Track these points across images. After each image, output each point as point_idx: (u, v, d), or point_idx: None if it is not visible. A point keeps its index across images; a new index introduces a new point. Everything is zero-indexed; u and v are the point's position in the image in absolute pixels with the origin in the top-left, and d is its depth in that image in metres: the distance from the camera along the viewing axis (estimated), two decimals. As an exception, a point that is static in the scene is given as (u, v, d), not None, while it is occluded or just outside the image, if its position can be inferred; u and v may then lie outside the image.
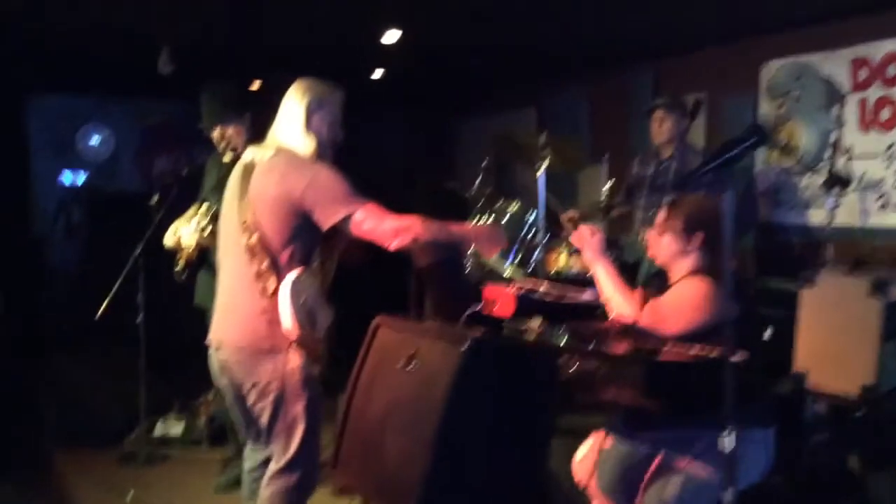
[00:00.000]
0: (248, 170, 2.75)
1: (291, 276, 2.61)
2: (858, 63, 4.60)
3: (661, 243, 2.78)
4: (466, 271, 3.14)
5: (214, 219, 3.62)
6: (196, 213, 3.77)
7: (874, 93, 4.52)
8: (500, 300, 2.19)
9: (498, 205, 3.75)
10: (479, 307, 2.20)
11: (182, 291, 3.94)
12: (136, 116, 7.09)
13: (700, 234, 2.69)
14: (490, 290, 2.25)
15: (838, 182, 4.29)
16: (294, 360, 2.65)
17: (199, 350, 2.96)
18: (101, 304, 3.96)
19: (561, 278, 3.68)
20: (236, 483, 3.56)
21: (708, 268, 2.68)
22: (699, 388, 2.10)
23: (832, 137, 4.68)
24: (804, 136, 4.92)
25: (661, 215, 2.81)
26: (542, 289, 2.55)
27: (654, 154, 4.64)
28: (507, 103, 7.22)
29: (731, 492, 1.71)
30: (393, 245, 2.61)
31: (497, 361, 1.87)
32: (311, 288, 2.66)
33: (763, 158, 5.15)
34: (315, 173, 2.67)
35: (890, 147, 4.46)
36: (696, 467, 2.51)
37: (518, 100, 7.09)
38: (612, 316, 2.67)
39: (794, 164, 4.97)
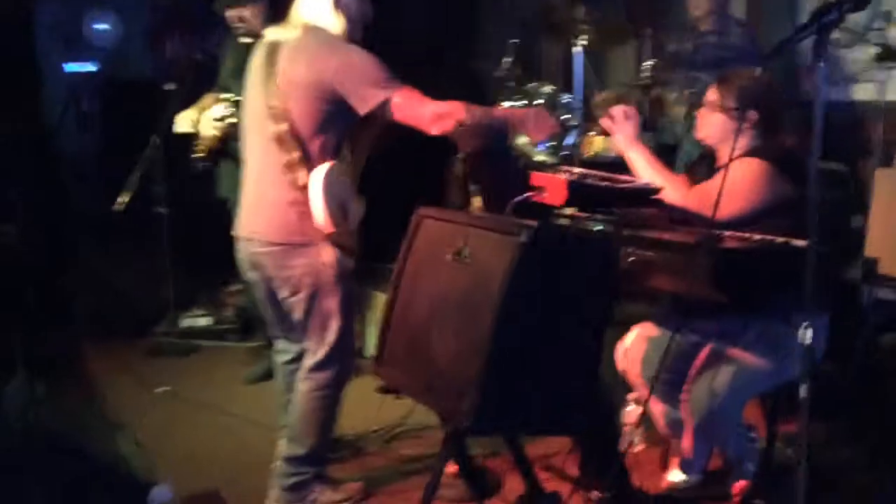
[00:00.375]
0: (273, 51, 2.56)
1: (322, 168, 2.47)
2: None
3: (711, 122, 2.62)
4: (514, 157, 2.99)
5: (236, 106, 3.46)
6: (214, 102, 3.61)
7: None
8: (550, 187, 2.04)
9: (530, 86, 3.56)
10: (528, 195, 2.06)
11: (205, 182, 3.82)
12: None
13: (754, 112, 2.53)
14: (538, 177, 2.11)
15: (891, 55, 4.03)
16: (327, 254, 2.55)
17: (224, 241, 2.86)
18: (121, 197, 3.87)
19: (598, 163, 3.53)
20: (266, 374, 3.55)
21: (763, 147, 2.53)
22: (763, 277, 1.99)
23: (884, 6, 4.37)
24: (854, 6, 4.60)
25: (711, 92, 2.63)
26: (577, 172, 2.40)
27: (691, 28, 4.38)
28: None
29: (805, 387, 1.61)
30: (434, 129, 2.46)
31: (555, 254, 1.74)
32: (343, 180, 2.53)
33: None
34: (348, 55, 2.49)
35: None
36: (748, 356, 2.44)
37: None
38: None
39: (841, 36, 4.67)
